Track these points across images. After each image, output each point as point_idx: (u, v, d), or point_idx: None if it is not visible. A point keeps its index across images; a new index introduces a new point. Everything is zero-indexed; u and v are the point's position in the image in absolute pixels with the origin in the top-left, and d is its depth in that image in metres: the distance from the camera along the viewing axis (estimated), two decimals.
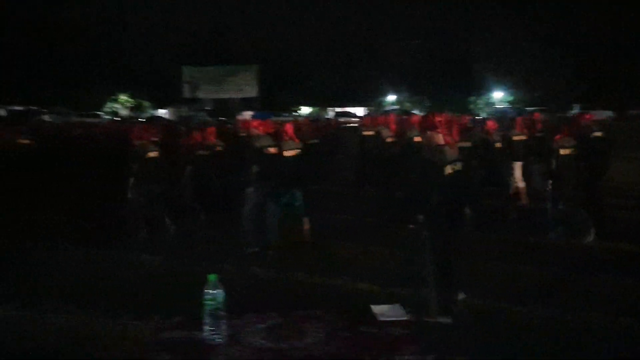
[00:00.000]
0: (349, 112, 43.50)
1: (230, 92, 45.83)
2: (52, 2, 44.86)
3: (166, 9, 47.19)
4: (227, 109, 43.37)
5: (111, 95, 46.98)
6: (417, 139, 6.21)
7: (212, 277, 2.31)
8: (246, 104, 45.18)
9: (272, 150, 7.13)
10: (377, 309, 2.60)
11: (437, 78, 44.52)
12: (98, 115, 40.01)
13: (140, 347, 2.43)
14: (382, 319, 2.50)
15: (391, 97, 51.08)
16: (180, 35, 46.88)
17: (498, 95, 48.12)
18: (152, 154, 7.95)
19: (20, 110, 41.94)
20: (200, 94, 46.24)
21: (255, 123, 7.74)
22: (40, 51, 43.28)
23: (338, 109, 45.90)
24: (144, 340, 3.10)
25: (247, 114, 37.89)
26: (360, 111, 45.89)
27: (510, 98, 46.93)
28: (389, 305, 2.64)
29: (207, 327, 2.30)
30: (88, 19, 46.46)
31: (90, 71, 43.83)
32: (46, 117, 38.09)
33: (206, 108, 45.62)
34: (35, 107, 42.53)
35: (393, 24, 51.88)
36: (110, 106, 46.56)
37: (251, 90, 45.67)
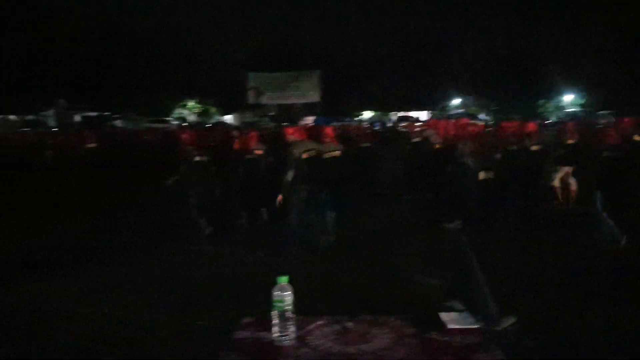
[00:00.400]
0: (411, 116, 43.14)
1: (293, 98, 46.34)
2: (127, 11, 46.71)
3: (233, 17, 48.27)
4: (290, 114, 43.89)
5: (180, 102, 48.40)
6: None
7: (281, 279, 2.33)
8: (309, 109, 45.59)
9: (307, 155, 7.25)
10: (445, 316, 2.55)
11: (504, 81, 43.29)
12: (167, 121, 41.23)
13: (209, 347, 2.47)
14: (451, 326, 2.46)
15: (456, 101, 50.13)
16: (248, 42, 47.91)
17: (568, 99, 46.43)
18: (201, 158, 8.44)
19: (93, 116, 43.89)
20: (265, 100, 46.97)
21: (290, 130, 8.09)
22: (114, 59, 45.11)
23: (401, 113, 45.62)
24: (213, 340, 3.17)
25: (309, 119, 38.26)
26: (423, 115, 45.43)
27: (581, 101, 45.17)
28: (458, 313, 2.59)
29: (275, 328, 2.32)
30: (159, 28, 48.13)
31: (161, 78, 45.30)
32: (118, 123, 39.66)
33: (270, 114, 46.29)
34: (107, 113, 44.42)
35: (459, 25, 51.01)
36: (178, 112, 47.97)
37: (313, 96, 46.01)
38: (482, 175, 5.17)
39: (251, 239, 7.94)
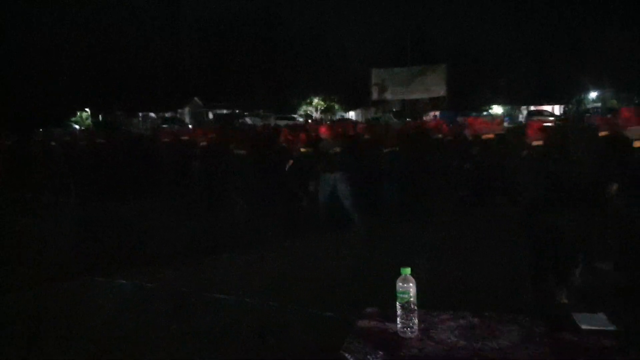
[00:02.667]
0: (543, 110, 40.94)
1: (417, 93, 45.72)
2: (257, 15, 48.77)
3: (358, 14, 48.76)
4: (415, 109, 43.45)
5: (306, 99, 49.73)
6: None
7: (405, 270, 2.32)
8: (434, 103, 44.83)
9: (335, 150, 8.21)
10: (579, 316, 2.42)
11: None
12: (293, 118, 42.45)
13: (335, 335, 2.52)
14: (585, 327, 2.32)
15: (593, 94, 46.89)
16: (372, 39, 48.19)
17: None
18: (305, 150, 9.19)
19: (225, 114, 46.25)
20: (389, 96, 46.79)
21: (322, 129, 8.91)
22: (243, 58, 47.27)
23: (532, 107, 43.54)
24: (339, 329, 3.23)
25: (433, 114, 37.57)
26: (557, 109, 43.07)
27: None
28: (592, 314, 2.45)
29: (399, 320, 2.32)
30: (286, 28, 49.79)
31: (288, 77, 46.89)
32: (248, 120, 41.42)
33: (393, 109, 46.13)
34: (238, 111, 46.61)
35: (593, 14, 47.60)
36: (304, 109, 49.31)
37: (439, 90, 45.05)
38: None
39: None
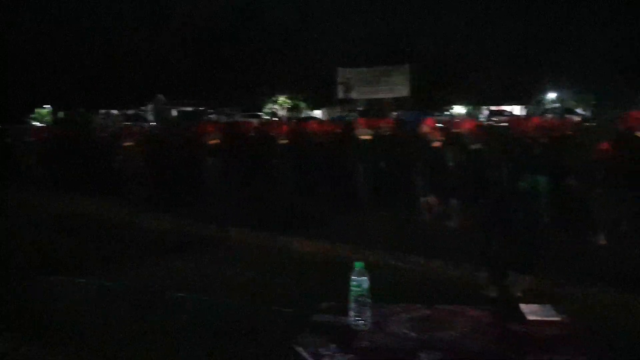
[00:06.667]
0: (504, 110, 41.68)
1: (382, 93, 46.09)
2: (220, 12, 48.26)
3: (324, 14, 48.64)
4: (378, 109, 43.66)
5: (271, 97, 49.58)
6: None
7: (358, 265, 2.36)
8: (399, 103, 45.15)
9: None
10: (526, 307, 2.50)
11: (608, 73, 40.38)
12: (259, 116, 42.22)
13: (293, 330, 2.55)
14: (531, 317, 2.41)
15: (552, 95, 47.82)
16: (340, 38, 48.15)
17: None
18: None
19: (189, 111, 45.72)
20: (354, 95, 46.99)
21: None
22: (208, 55, 46.78)
23: (493, 107, 44.31)
24: (294, 323, 3.26)
25: (396, 114, 37.74)
26: (516, 110, 43.81)
27: None
28: (540, 305, 2.53)
29: (352, 313, 2.35)
30: (251, 25, 49.45)
31: (254, 75, 46.55)
32: (213, 117, 41.00)
33: (358, 108, 46.26)
34: (202, 108, 46.12)
35: (555, 14, 48.48)
36: (270, 107, 49.12)
37: (403, 90, 45.51)
38: None
39: None
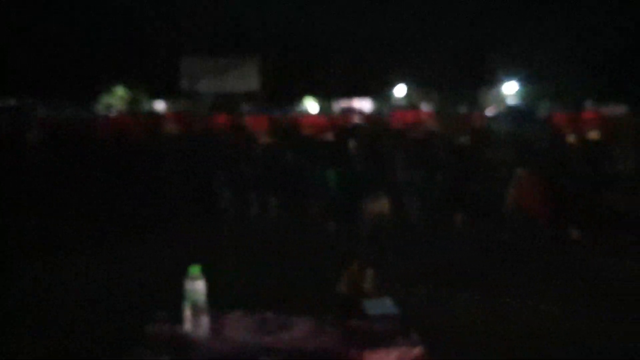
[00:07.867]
0: (353, 107, 41.97)
1: (231, 85, 44.82)
2: None
3: None
4: (226, 103, 42.52)
5: (107, 89, 46.11)
6: None
7: (193, 269, 2.23)
8: (248, 97, 44.37)
9: None
10: (366, 303, 2.56)
11: (447, 69, 42.33)
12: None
13: (123, 342, 2.35)
14: (371, 312, 2.47)
15: (401, 90, 48.76)
16: (182, 25, 45.35)
17: (510, 89, 45.04)
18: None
19: (12, 106, 40.93)
20: (201, 87, 45.21)
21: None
22: (36, 42, 42.31)
23: (343, 103, 43.98)
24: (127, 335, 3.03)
25: (245, 109, 37.26)
26: (367, 105, 43.92)
27: (523, 92, 44.15)
28: (379, 299, 2.60)
29: (188, 321, 2.22)
30: (88, 11, 45.25)
31: (88, 61, 42.54)
32: (41, 112, 37.49)
33: (208, 102, 44.68)
34: (30, 101, 41.48)
35: (400, 10, 50.15)
36: (105, 100, 45.36)
37: (252, 83, 44.67)
38: None
39: None
